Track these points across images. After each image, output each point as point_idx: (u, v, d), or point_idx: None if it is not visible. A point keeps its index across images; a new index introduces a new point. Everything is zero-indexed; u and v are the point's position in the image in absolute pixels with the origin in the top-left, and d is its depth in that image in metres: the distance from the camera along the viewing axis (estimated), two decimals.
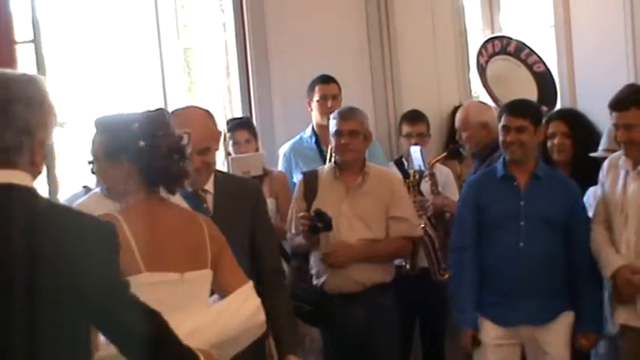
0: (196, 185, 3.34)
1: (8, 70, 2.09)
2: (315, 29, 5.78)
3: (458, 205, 4.36)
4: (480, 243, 4.12)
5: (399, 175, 4.91)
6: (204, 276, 2.66)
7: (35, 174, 2.08)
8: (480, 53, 5.87)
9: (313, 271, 4.38)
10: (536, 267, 4.00)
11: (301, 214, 4.26)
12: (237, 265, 2.77)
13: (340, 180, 4.34)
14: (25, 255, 1.96)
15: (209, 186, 3.42)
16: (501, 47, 6.00)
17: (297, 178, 5.18)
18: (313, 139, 5.30)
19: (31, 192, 2.04)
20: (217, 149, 3.43)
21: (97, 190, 4.40)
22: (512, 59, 6.00)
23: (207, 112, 3.45)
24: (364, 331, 4.25)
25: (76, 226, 2.07)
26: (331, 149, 4.92)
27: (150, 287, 2.42)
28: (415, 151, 4.96)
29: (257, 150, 4.78)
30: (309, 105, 5.32)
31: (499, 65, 5.92)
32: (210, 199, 3.41)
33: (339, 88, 5.29)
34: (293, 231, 4.38)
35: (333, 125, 4.35)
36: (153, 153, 2.53)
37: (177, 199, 2.89)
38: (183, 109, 3.45)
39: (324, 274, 4.30)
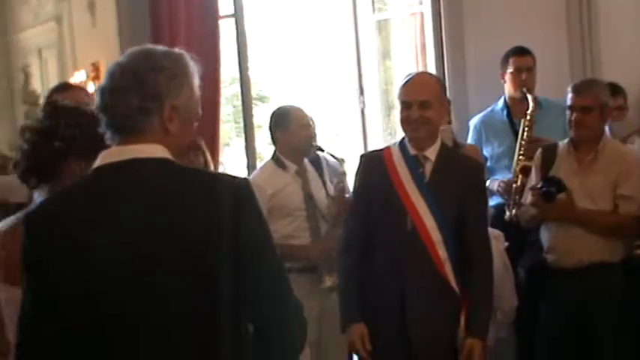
0: (415, 141, 3.58)
1: (152, 46, 2.16)
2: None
3: None
4: None
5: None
6: None
7: (170, 143, 2.09)
8: None
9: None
10: None
11: (529, 186, 4.24)
12: None
13: (574, 156, 4.20)
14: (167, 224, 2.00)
15: (431, 153, 3.60)
16: None
17: (487, 151, 5.09)
18: (505, 112, 5.16)
19: (161, 162, 2.06)
20: (444, 117, 3.70)
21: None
22: None
23: (437, 78, 3.83)
24: (581, 310, 4.10)
25: (213, 186, 2.09)
26: (523, 122, 4.77)
27: None
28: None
29: (449, 123, 4.69)
30: (503, 77, 5.17)
31: None
32: (429, 166, 3.60)
33: (534, 61, 5.11)
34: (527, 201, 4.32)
35: (567, 99, 4.20)
36: None
37: None
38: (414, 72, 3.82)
39: (546, 245, 4.23)
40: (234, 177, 2.19)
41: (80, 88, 4.66)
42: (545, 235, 4.25)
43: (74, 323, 2.00)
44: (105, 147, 2.12)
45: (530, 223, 4.35)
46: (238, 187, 2.09)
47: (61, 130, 2.49)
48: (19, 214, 2.56)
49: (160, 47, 2.15)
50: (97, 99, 2.09)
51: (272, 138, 4.69)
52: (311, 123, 4.71)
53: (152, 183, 2.04)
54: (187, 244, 2.00)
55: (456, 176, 3.58)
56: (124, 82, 2.04)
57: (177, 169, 2.09)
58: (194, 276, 2.00)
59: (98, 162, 2.07)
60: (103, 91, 2.08)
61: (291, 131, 4.58)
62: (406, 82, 3.61)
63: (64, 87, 4.50)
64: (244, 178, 2.18)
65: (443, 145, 3.66)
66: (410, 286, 3.49)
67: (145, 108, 2.04)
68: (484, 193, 3.74)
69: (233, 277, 2.02)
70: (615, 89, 5.20)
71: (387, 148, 3.73)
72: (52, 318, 2.00)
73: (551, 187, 4.02)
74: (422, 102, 3.50)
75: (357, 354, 3.69)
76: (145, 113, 2.05)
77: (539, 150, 4.38)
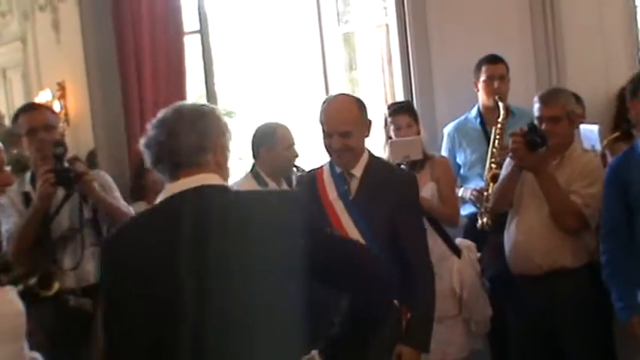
0: (341, 165, 3.54)
1: (183, 102, 2.52)
2: (476, 9, 5.59)
3: (603, 189, 3.99)
4: (629, 222, 3.82)
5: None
6: None
7: (223, 174, 2.43)
8: None
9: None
10: None
11: (511, 132, 4.12)
12: None
13: (546, 167, 4.09)
14: (233, 240, 2.26)
15: (357, 170, 3.54)
16: None
17: (460, 158, 5.06)
18: (478, 120, 5.11)
19: (222, 188, 2.39)
20: (366, 135, 3.56)
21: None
22: None
23: (357, 100, 3.58)
24: (546, 316, 4.04)
25: (270, 203, 2.42)
26: (495, 130, 4.71)
27: None
28: (591, 131, 4.69)
29: (418, 134, 4.62)
30: (476, 85, 5.12)
31: None
32: (355, 182, 3.54)
33: (507, 69, 5.05)
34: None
35: (535, 110, 4.13)
36: None
37: None
38: (335, 95, 3.65)
39: (508, 253, 4.16)
40: (289, 191, 2.69)
41: (46, 107, 4.54)
42: (506, 243, 4.19)
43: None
44: None
45: (499, 201, 4.24)
46: (296, 200, 2.51)
47: None
48: None
49: (191, 103, 2.54)
50: (150, 150, 2.39)
51: (253, 152, 4.56)
52: (294, 142, 4.60)
53: (222, 206, 2.34)
54: (266, 256, 2.27)
55: (385, 190, 3.48)
56: (181, 128, 2.36)
57: (239, 192, 2.51)
58: (276, 281, 2.27)
59: (163, 195, 2.37)
60: (158, 141, 2.38)
61: (275, 150, 4.47)
62: (325, 109, 3.53)
63: (31, 107, 4.39)
64: (297, 192, 2.61)
65: (371, 159, 3.59)
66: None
67: (203, 146, 2.37)
68: (416, 206, 3.61)
69: (312, 269, 2.32)
70: (575, 99, 5.17)
71: (321, 167, 3.68)
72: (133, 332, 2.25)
73: (537, 137, 3.95)
74: (342, 133, 3.45)
75: None
76: (203, 150, 2.37)
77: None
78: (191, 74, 5.33)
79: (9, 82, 8.79)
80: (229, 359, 2.24)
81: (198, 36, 5.46)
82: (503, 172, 4.28)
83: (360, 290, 2.53)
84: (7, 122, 8.36)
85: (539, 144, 3.94)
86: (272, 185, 4.48)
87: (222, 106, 5.93)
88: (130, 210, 4.30)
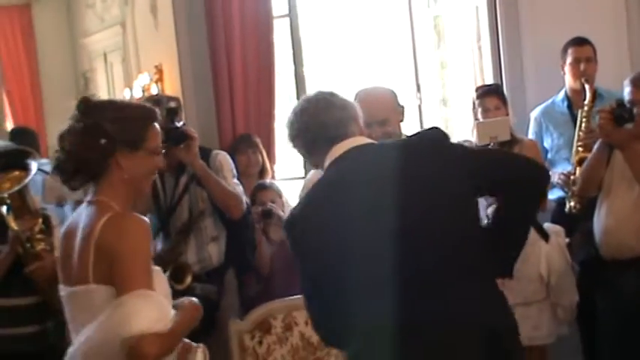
0: None
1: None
2: None
3: None
4: None
5: None
6: None
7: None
8: None
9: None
10: None
11: (598, 108, 4.09)
12: None
13: (634, 144, 3.96)
14: (409, 178, 2.48)
15: None
16: None
17: (547, 142, 4.94)
18: (565, 103, 4.97)
19: (371, 143, 2.64)
20: (401, 120, 3.68)
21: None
22: None
23: (388, 88, 3.74)
24: (638, 301, 3.89)
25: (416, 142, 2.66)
26: (581, 113, 4.57)
27: None
28: None
29: (507, 114, 4.53)
30: (562, 68, 4.97)
31: None
32: None
33: (594, 51, 4.88)
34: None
35: (625, 93, 3.98)
36: None
37: None
38: (366, 88, 3.73)
39: (599, 237, 4.02)
40: (428, 131, 2.81)
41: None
42: (597, 227, 4.06)
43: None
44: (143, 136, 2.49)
45: (586, 181, 4.13)
46: (435, 136, 2.65)
47: (106, 126, 2.46)
48: (75, 215, 2.58)
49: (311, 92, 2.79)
50: (302, 138, 2.63)
51: None
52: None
53: (380, 156, 2.57)
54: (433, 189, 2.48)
55: None
56: (320, 108, 2.62)
57: (384, 144, 2.77)
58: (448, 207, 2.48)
59: (329, 158, 2.57)
60: (307, 126, 2.61)
61: None
62: (360, 101, 3.41)
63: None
64: (434, 129, 2.76)
65: None
66: None
67: (346, 116, 2.63)
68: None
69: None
70: None
71: None
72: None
73: (624, 112, 3.88)
74: (381, 121, 3.50)
75: None
76: (347, 119, 2.62)
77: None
78: (280, 57, 5.34)
79: (109, 66, 8.97)
80: (429, 292, 2.38)
81: (287, 20, 5.46)
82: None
83: (515, 186, 2.62)
84: None
85: (626, 119, 3.85)
86: None
87: (311, 89, 5.93)
88: (239, 190, 4.25)
